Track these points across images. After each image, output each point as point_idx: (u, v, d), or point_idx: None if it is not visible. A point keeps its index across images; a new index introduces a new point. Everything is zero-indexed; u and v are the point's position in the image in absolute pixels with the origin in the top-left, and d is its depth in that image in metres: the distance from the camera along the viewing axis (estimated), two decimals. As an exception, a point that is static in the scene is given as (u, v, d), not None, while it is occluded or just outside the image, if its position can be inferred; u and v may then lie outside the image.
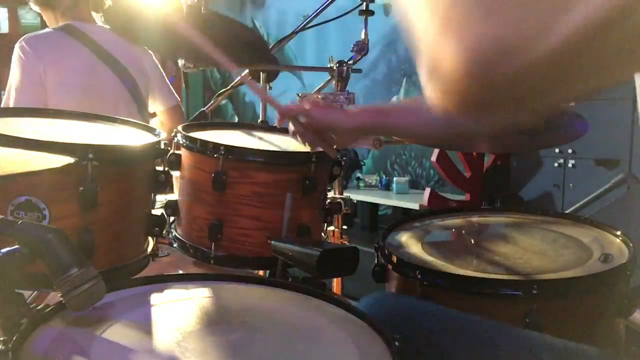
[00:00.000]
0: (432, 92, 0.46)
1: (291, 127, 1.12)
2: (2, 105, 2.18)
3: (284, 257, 1.09)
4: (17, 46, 2.11)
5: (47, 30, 2.24)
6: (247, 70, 1.78)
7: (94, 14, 2.28)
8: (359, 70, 1.75)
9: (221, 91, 2.00)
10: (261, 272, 1.42)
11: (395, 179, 4.24)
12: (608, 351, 1.00)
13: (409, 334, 0.83)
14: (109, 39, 2.23)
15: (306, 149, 1.30)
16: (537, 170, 3.30)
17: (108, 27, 2.27)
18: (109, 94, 2.20)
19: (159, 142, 1.11)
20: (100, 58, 2.18)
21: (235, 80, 1.91)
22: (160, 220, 1.12)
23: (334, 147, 1.14)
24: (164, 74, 2.45)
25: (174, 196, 1.27)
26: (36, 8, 2.29)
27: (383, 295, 1.21)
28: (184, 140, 1.19)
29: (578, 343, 0.91)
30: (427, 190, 3.32)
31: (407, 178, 4.27)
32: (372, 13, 1.80)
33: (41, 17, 2.36)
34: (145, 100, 2.34)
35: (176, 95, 2.49)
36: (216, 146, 1.13)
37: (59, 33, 2.18)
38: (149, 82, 2.34)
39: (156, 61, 2.41)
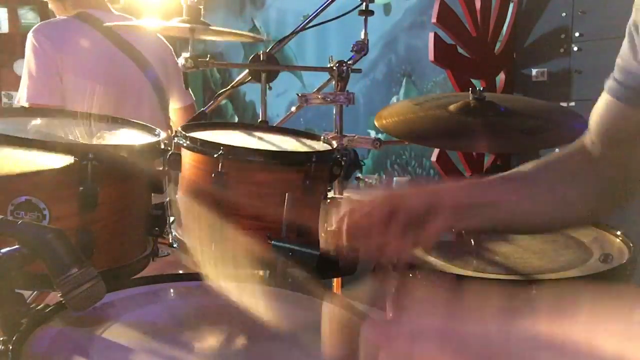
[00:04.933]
0: None
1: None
2: (16, 97, 2.10)
3: (284, 257, 1.09)
4: (30, 35, 2.02)
5: (60, 17, 2.14)
6: (246, 71, 1.78)
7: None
8: (358, 70, 1.74)
9: (221, 91, 2.00)
10: (261, 272, 1.42)
11: (395, 179, 4.23)
12: None
13: None
14: (129, 29, 2.11)
15: (305, 149, 1.30)
16: (537, 170, 3.29)
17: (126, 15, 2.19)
18: (133, 87, 2.11)
19: (159, 142, 1.11)
20: (120, 48, 2.09)
21: (236, 80, 1.91)
22: (160, 220, 1.12)
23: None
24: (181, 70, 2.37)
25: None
26: None
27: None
28: (184, 140, 1.19)
29: None
30: (427, 190, 3.31)
31: (407, 178, 4.27)
32: (372, 13, 1.80)
33: (41, 17, 2.32)
34: (167, 95, 2.25)
35: (191, 94, 2.41)
36: (216, 146, 1.13)
37: (73, 20, 2.08)
38: (169, 77, 2.26)
39: (175, 58, 2.32)
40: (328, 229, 0.86)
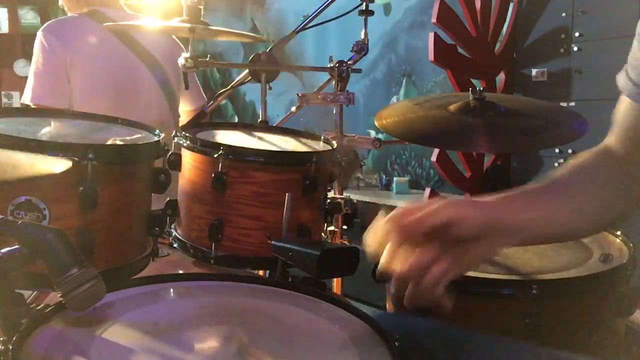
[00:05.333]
0: None
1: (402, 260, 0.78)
2: (23, 96, 2.08)
3: (284, 257, 1.09)
4: (39, 33, 2.00)
5: (71, 15, 2.12)
6: (246, 71, 1.78)
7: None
8: (358, 70, 1.74)
9: (221, 91, 2.00)
10: (261, 272, 1.42)
11: (395, 179, 4.23)
12: None
13: (410, 351, 0.83)
14: (140, 29, 2.05)
15: (305, 149, 1.30)
16: (537, 170, 3.30)
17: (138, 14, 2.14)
18: (140, 85, 2.09)
19: (158, 142, 1.11)
20: (128, 46, 2.07)
21: (236, 80, 1.91)
22: (160, 220, 1.12)
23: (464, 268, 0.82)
24: (195, 73, 2.34)
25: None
26: None
27: (383, 313, 1.21)
28: (184, 140, 1.19)
29: (578, 353, 0.91)
30: (427, 190, 3.32)
31: (407, 178, 4.27)
32: (372, 13, 1.80)
33: (41, 17, 2.31)
34: (177, 97, 2.23)
35: (204, 96, 2.39)
36: (216, 146, 1.13)
37: (83, 18, 2.06)
38: (181, 78, 2.23)
39: None
40: (373, 228, 0.79)
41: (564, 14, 3.07)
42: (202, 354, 0.75)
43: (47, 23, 2.06)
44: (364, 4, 1.78)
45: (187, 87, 1.85)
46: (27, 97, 2.03)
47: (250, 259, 1.18)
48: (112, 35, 2.05)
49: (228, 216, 1.15)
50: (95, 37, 2.02)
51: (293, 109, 1.89)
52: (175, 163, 1.19)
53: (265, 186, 1.15)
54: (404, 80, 4.48)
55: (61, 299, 0.73)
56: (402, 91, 4.51)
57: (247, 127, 1.43)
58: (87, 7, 2.10)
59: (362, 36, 1.80)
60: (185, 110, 2.35)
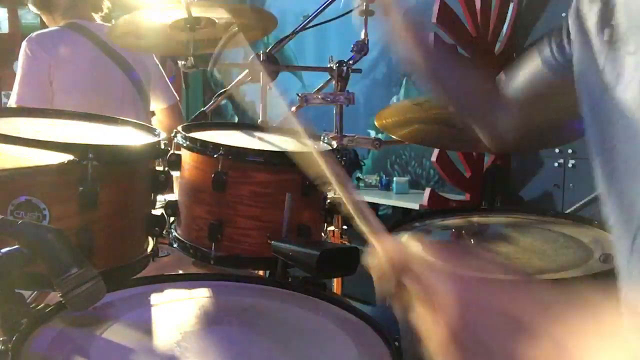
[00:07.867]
0: None
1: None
2: (9, 100, 2.23)
3: (284, 257, 1.09)
4: (24, 44, 2.15)
5: (52, 28, 2.28)
6: (247, 71, 1.78)
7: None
8: (358, 70, 1.74)
9: (221, 91, 2.00)
10: (261, 272, 1.42)
11: (395, 179, 4.23)
12: None
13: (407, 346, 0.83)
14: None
15: (306, 149, 1.30)
16: (537, 170, 3.30)
17: (109, 24, 2.27)
18: (116, 89, 2.23)
19: (159, 142, 1.11)
20: (106, 54, 2.21)
21: (236, 80, 1.90)
22: (160, 220, 1.12)
23: None
24: (164, 72, 2.47)
25: (173, 196, 1.27)
26: (34, 9, 2.32)
27: (383, 313, 1.21)
28: (184, 141, 1.19)
29: None
30: (427, 190, 3.31)
31: (407, 178, 4.26)
32: (372, 13, 1.80)
33: (41, 18, 2.39)
34: (149, 97, 2.37)
35: (175, 94, 2.52)
36: (216, 146, 1.13)
37: (65, 30, 2.22)
38: (151, 80, 2.37)
39: (156, 60, 2.43)
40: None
41: (564, 14, 3.07)
42: (202, 354, 0.75)
43: (30, 35, 2.20)
44: (364, 4, 1.78)
45: (187, 87, 1.90)
46: (12, 101, 2.17)
47: (250, 259, 1.18)
48: (90, 43, 2.20)
49: (228, 216, 1.15)
50: (74, 46, 2.18)
51: (293, 109, 1.89)
52: (175, 163, 1.19)
53: (265, 186, 1.15)
54: (404, 80, 4.48)
55: (61, 299, 0.73)
56: (402, 91, 4.51)
57: (247, 127, 1.43)
58: (63, 20, 2.26)
59: (362, 36, 1.80)
60: (160, 109, 2.48)
